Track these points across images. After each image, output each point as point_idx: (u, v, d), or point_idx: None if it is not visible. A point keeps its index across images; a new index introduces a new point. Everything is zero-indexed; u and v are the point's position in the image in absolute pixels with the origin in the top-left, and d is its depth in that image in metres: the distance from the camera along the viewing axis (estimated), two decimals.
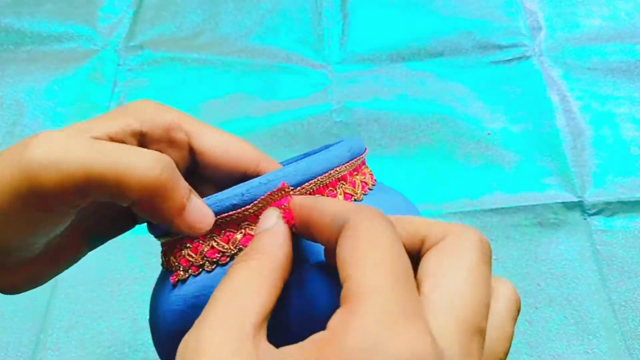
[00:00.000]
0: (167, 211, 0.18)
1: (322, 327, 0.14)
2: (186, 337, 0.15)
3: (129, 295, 0.43)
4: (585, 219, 0.47)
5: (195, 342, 0.14)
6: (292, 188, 0.20)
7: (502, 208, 0.48)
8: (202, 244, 0.20)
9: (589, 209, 0.47)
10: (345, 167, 0.22)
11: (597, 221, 0.47)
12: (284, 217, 0.19)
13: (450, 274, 0.15)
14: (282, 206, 0.19)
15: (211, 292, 0.17)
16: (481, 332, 0.15)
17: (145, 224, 0.23)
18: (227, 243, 0.20)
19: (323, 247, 0.19)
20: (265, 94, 0.55)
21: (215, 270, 0.20)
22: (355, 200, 0.22)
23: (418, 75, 0.56)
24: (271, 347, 0.14)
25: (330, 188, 0.21)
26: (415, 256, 0.17)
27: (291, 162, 0.28)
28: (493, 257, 0.46)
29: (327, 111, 0.54)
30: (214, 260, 0.20)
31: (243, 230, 0.20)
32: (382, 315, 0.13)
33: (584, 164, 0.50)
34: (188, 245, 0.20)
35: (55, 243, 0.22)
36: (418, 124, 0.53)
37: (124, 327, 0.42)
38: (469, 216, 0.47)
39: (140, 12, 0.61)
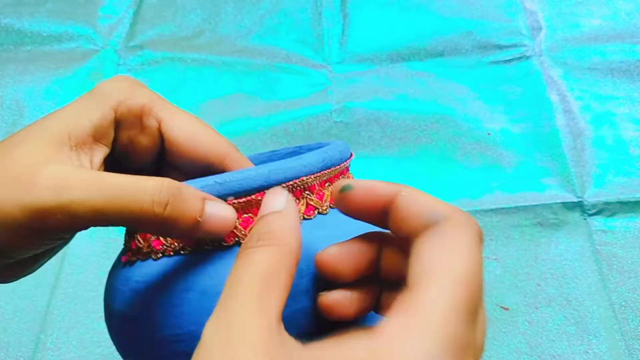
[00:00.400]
0: (179, 231, 0.18)
1: None
2: (214, 320, 0.14)
3: None
4: (585, 219, 0.47)
5: (227, 329, 0.14)
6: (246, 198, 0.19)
7: (502, 208, 0.48)
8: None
9: (589, 209, 0.47)
10: (314, 177, 0.21)
11: (596, 221, 0.47)
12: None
13: (455, 266, 0.15)
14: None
15: (153, 281, 0.18)
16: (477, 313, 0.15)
17: None
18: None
19: None
20: (265, 94, 0.55)
21: (161, 260, 0.19)
22: (319, 213, 0.21)
23: (418, 75, 0.56)
24: (299, 343, 0.14)
25: (294, 198, 0.20)
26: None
27: (267, 158, 0.27)
28: (493, 257, 0.46)
29: (327, 111, 0.54)
30: (159, 250, 0.19)
31: None
32: (444, 343, 0.13)
33: (584, 164, 0.50)
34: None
35: None
36: (418, 124, 0.53)
37: None
38: None
39: (140, 12, 0.61)
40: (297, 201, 0.20)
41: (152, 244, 0.20)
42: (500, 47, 0.58)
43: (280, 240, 0.16)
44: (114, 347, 0.22)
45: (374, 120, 0.53)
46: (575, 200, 0.48)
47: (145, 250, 0.20)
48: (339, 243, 0.19)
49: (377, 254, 0.19)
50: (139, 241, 0.20)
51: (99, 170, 0.20)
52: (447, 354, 0.13)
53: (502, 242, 0.46)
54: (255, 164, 0.23)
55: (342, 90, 0.55)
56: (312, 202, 0.21)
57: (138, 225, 0.18)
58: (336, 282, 0.19)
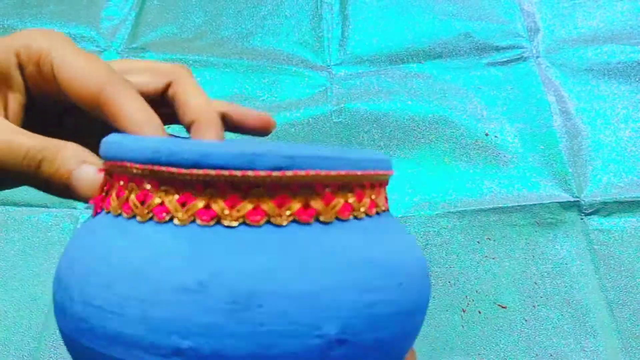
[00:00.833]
0: (54, 190, 0.20)
1: None
2: None
3: None
4: (582, 218, 0.48)
5: None
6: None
7: (500, 208, 0.48)
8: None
9: (586, 209, 0.48)
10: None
11: (593, 221, 0.47)
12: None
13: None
14: None
15: (80, 243, 0.17)
16: None
17: None
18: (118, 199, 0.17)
19: None
20: (265, 95, 0.56)
21: (98, 217, 0.18)
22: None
23: (417, 76, 0.57)
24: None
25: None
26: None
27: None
28: (491, 256, 0.46)
29: (327, 112, 0.54)
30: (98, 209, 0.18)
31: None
32: None
33: (581, 165, 0.50)
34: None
35: None
36: (417, 124, 0.54)
37: None
38: (467, 215, 0.48)
39: (142, 14, 0.62)
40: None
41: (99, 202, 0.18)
42: (498, 49, 0.58)
43: None
44: None
45: (373, 120, 0.54)
46: (572, 200, 0.48)
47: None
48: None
49: None
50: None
51: (16, 117, 0.21)
52: None
53: (500, 242, 0.47)
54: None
55: (342, 91, 0.56)
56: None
57: (20, 181, 0.19)
58: None
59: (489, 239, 0.47)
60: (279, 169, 0.15)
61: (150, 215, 0.16)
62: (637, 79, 0.55)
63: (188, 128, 0.21)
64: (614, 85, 0.55)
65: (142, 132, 0.19)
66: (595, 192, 0.48)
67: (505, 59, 0.57)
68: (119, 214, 0.17)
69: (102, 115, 0.20)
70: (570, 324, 0.43)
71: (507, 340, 0.42)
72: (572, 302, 0.44)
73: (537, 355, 0.42)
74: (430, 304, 0.44)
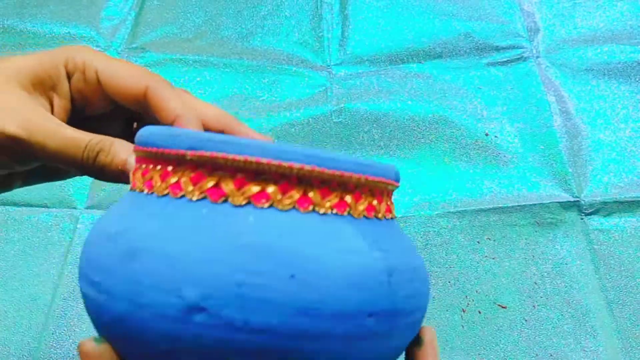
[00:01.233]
0: (110, 177, 0.23)
1: None
2: None
3: None
4: (582, 218, 0.48)
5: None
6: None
7: (500, 208, 0.48)
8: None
9: (586, 209, 0.48)
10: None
11: (593, 221, 0.47)
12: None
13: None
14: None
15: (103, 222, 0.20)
16: None
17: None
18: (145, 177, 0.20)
19: None
20: (265, 95, 0.56)
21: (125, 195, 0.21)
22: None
23: (417, 76, 0.57)
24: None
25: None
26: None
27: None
28: (491, 256, 0.46)
29: (327, 112, 0.54)
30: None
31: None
32: None
33: (581, 164, 0.50)
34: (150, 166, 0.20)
35: None
36: (417, 124, 0.54)
37: None
38: (467, 215, 0.48)
39: (142, 14, 0.62)
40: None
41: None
42: (498, 49, 0.58)
43: None
44: None
45: (373, 121, 0.54)
46: (572, 200, 0.48)
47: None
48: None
49: None
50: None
51: (61, 120, 0.24)
52: None
53: (500, 242, 0.47)
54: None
55: (342, 91, 0.56)
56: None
57: (80, 170, 0.23)
58: None
59: (489, 239, 0.47)
60: (288, 160, 0.17)
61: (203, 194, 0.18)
62: (637, 79, 0.55)
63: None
64: (614, 85, 0.55)
65: (184, 126, 0.23)
66: (595, 192, 0.49)
67: (505, 59, 0.57)
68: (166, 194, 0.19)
69: (148, 108, 0.23)
70: (570, 324, 0.43)
71: (507, 340, 0.42)
72: (572, 302, 0.44)
73: (537, 355, 0.42)
74: (430, 304, 0.44)
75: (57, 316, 0.43)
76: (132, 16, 0.61)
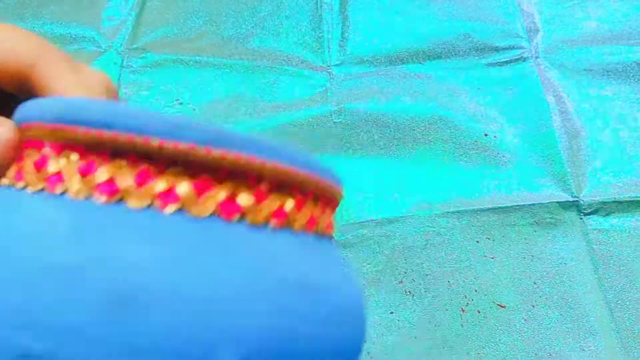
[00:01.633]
0: None
1: None
2: None
3: None
4: (581, 218, 0.48)
5: None
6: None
7: (499, 208, 0.48)
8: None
9: (585, 209, 0.48)
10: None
11: (593, 221, 0.48)
12: None
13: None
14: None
15: None
16: None
17: None
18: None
19: None
20: (265, 95, 0.56)
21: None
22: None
23: (416, 77, 0.57)
24: None
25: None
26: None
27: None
28: (490, 256, 0.46)
29: (327, 112, 0.55)
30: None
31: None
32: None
33: (580, 165, 0.50)
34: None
35: None
36: (416, 125, 0.54)
37: None
38: (466, 215, 0.48)
39: (143, 15, 0.62)
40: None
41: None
42: (497, 49, 0.58)
43: None
44: None
45: (373, 121, 0.54)
46: (572, 199, 0.48)
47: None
48: None
49: None
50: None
51: None
52: None
53: (499, 241, 0.47)
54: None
55: (342, 91, 0.56)
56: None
57: None
58: None
59: (488, 239, 0.47)
60: (206, 143, 0.12)
61: (43, 186, 0.13)
62: (636, 79, 0.55)
63: None
64: (613, 86, 0.55)
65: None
66: (594, 192, 0.49)
67: (504, 60, 0.57)
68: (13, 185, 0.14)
69: (32, 93, 0.17)
70: (569, 324, 0.43)
71: (506, 340, 0.43)
72: (571, 301, 0.44)
73: (536, 354, 0.42)
74: (430, 304, 0.44)
75: None
76: (133, 17, 0.62)
